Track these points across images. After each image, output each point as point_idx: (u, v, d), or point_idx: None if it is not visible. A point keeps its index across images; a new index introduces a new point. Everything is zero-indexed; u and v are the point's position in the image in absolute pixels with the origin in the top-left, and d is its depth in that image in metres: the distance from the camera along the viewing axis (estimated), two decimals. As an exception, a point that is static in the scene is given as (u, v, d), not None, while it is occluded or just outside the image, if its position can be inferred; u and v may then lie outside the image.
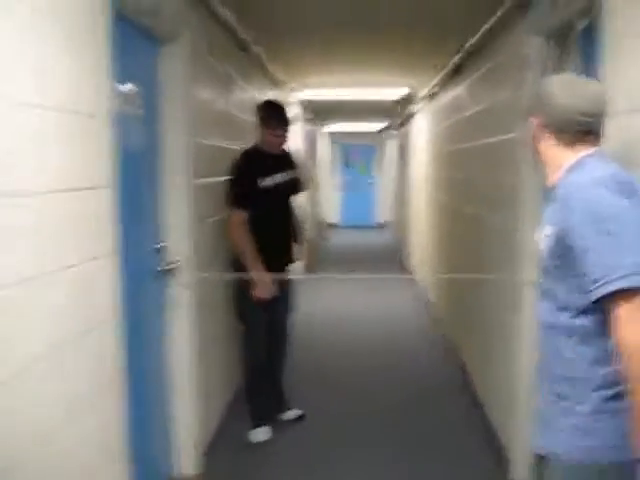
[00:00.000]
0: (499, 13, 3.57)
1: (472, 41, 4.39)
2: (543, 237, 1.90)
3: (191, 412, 3.64)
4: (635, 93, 2.12)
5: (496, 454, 3.93)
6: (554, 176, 1.91)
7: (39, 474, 1.91)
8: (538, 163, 1.98)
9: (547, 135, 1.90)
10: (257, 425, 4.25)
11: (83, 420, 2.20)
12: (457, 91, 5.87)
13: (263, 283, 4.09)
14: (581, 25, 2.98)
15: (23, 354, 1.84)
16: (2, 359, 1.73)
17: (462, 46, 4.73)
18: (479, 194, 4.81)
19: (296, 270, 4.62)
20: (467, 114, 5.32)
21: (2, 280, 1.73)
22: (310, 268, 4.88)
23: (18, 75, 1.81)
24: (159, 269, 3.42)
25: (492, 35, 4.08)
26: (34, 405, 1.90)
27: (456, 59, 5.16)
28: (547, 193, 2.02)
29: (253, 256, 4.08)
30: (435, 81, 6.66)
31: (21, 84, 1.83)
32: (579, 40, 3.00)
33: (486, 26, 3.91)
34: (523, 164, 3.46)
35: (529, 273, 3.42)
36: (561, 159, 1.89)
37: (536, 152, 1.96)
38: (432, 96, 7.56)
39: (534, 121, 1.92)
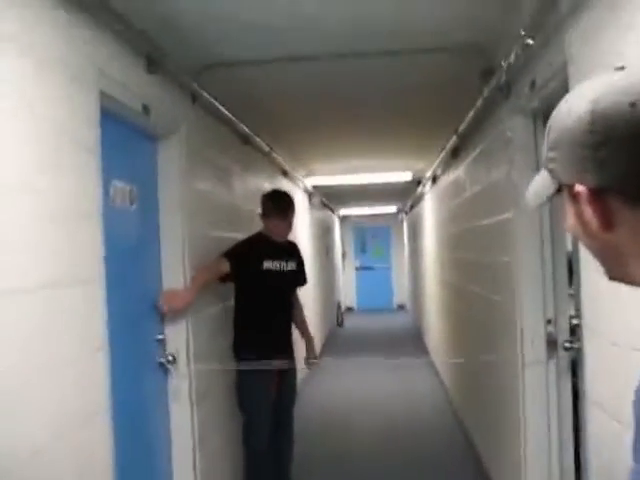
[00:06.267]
0: (482, 97, 3.67)
1: (464, 125, 4.49)
2: None
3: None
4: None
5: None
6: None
7: None
8: (598, 258, 0.96)
9: (612, 205, 0.87)
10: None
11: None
12: (456, 174, 5.96)
13: (175, 293, 3.53)
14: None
15: (10, 450, 1.86)
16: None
17: (456, 130, 4.83)
18: (481, 275, 4.81)
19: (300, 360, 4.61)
20: (466, 196, 5.39)
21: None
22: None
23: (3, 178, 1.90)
24: (160, 360, 3.45)
25: (482, 118, 4.17)
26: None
27: (451, 143, 5.27)
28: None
29: (196, 280, 3.69)
30: (435, 165, 6.78)
31: (7, 186, 1.91)
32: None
33: (472, 111, 4.00)
34: (517, 244, 3.48)
35: (528, 353, 3.40)
36: None
37: (592, 241, 0.93)
38: (434, 179, 7.67)
39: (578, 191, 0.88)
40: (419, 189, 9.61)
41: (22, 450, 1.92)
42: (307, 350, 4.64)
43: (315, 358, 4.70)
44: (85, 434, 2.32)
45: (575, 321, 3.22)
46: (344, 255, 18.10)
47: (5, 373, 1.84)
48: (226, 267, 4.04)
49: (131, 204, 3.09)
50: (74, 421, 2.25)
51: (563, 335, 3.28)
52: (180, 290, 3.54)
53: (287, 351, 4.37)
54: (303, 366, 4.73)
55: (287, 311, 4.43)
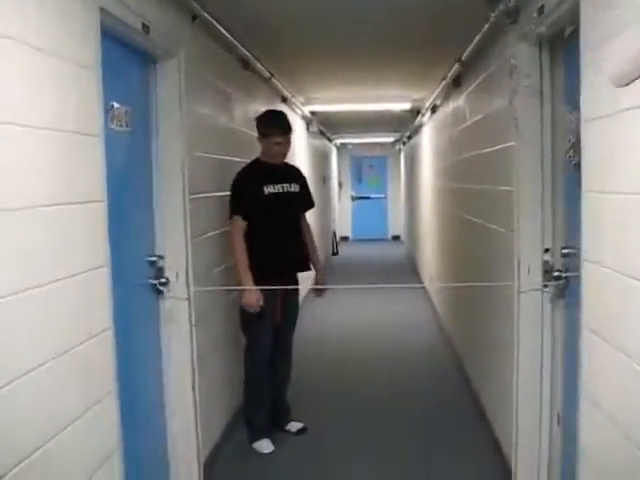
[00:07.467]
0: (489, 22, 3.60)
1: (467, 52, 4.42)
2: None
3: (191, 424, 3.66)
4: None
5: (500, 464, 3.94)
6: None
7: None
8: None
9: None
10: (254, 438, 4.26)
11: (74, 432, 2.23)
12: (457, 103, 5.89)
13: (250, 293, 4.06)
14: (568, 31, 3.00)
15: (15, 367, 1.88)
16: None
17: (459, 58, 4.75)
18: (479, 205, 4.82)
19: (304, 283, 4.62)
20: (466, 126, 5.34)
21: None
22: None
23: (7, 96, 1.87)
24: (152, 282, 3.45)
25: (486, 45, 4.11)
26: (26, 417, 1.94)
27: (453, 71, 5.19)
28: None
29: (244, 266, 4.06)
30: (436, 93, 6.69)
31: (10, 104, 1.89)
32: (570, 45, 3.02)
33: (478, 36, 3.93)
34: (518, 173, 3.47)
35: (524, 281, 3.44)
36: None
37: None
38: (434, 109, 7.60)
39: None
40: (418, 119, 9.52)
41: (28, 365, 1.95)
42: (315, 276, 4.61)
43: (322, 284, 4.65)
44: (90, 351, 2.35)
45: (570, 250, 3.22)
46: (340, 185, 18.06)
47: (9, 287, 1.86)
48: (243, 223, 4.12)
49: (127, 126, 3.05)
50: (78, 338, 2.28)
51: (560, 264, 3.30)
52: (247, 291, 4.03)
53: (295, 273, 4.40)
54: (308, 292, 4.73)
55: (294, 234, 4.41)
